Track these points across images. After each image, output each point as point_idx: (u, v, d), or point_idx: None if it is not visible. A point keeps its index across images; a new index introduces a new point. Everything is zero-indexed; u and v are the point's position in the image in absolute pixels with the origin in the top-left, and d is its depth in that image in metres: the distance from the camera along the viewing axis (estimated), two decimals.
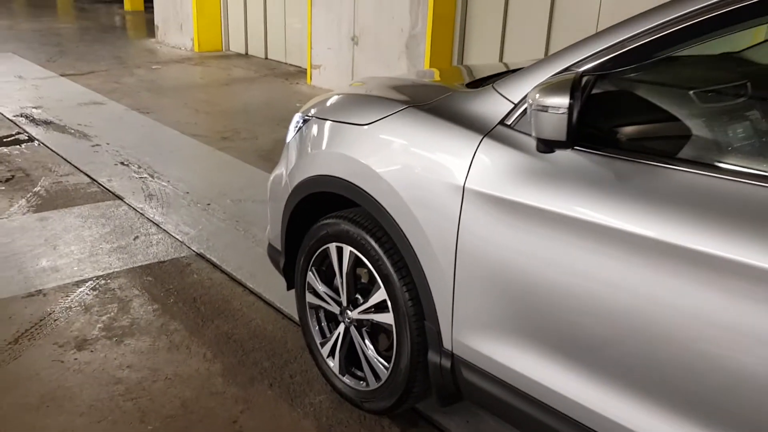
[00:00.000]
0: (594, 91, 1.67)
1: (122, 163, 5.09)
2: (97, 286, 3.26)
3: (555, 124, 1.49)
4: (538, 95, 1.51)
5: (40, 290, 3.20)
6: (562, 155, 1.63)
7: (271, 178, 2.72)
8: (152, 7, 11.73)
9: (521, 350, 1.79)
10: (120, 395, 2.48)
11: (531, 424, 1.82)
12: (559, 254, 1.62)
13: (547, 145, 1.59)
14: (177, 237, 3.83)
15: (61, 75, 8.38)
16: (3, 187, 4.49)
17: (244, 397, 2.50)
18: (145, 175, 4.84)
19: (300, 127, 2.53)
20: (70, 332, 2.86)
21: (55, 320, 2.95)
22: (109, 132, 5.93)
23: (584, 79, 1.61)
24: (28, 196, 4.37)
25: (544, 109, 1.49)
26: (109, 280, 3.31)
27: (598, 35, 1.63)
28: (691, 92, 1.95)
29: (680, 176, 1.47)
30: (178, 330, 2.92)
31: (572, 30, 5.68)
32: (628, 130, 1.62)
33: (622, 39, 1.56)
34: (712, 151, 1.62)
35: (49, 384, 2.53)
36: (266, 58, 9.98)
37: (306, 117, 2.51)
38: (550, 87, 1.50)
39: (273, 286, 3.24)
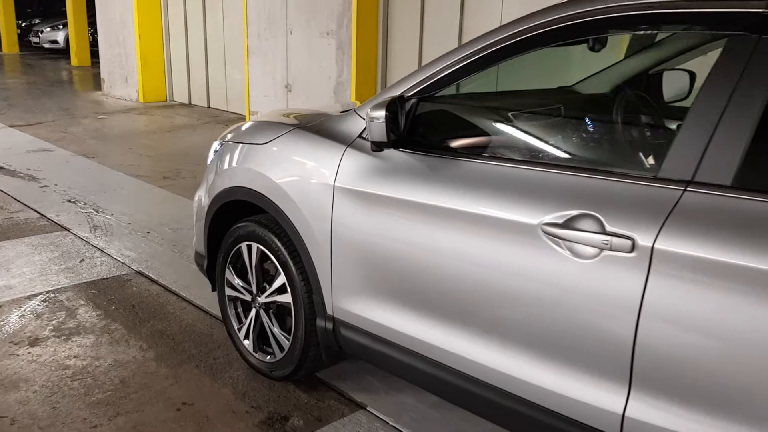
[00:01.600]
0: (423, 111, 2.31)
1: (69, 201, 5.57)
2: (47, 298, 3.73)
3: (379, 130, 2.11)
4: (369, 111, 2.14)
5: None
6: (394, 155, 2.25)
7: (196, 198, 3.29)
8: (99, 62, 12.24)
9: (380, 307, 2.37)
10: (68, 377, 2.96)
11: (394, 364, 2.39)
12: (394, 228, 2.22)
13: (377, 146, 2.21)
14: (119, 259, 4.33)
15: (10, 126, 8.80)
16: None
17: (173, 375, 3.00)
18: (91, 210, 5.33)
19: (217, 151, 3.11)
20: (23, 333, 3.33)
21: (11, 325, 3.41)
22: (57, 175, 6.40)
23: (410, 101, 2.25)
24: None
25: (372, 120, 2.12)
26: (57, 294, 3.79)
27: (418, 71, 2.27)
28: (509, 113, 2.61)
29: (481, 165, 2.09)
30: (119, 329, 3.41)
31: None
32: (443, 137, 2.25)
33: (431, 73, 2.20)
34: (499, 148, 2.25)
35: (7, 371, 2.99)
36: (208, 106, 10.57)
37: (222, 142, 3.10)
38: (376, 105, 2.13)
39: (203, 295, 3.75)
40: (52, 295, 3.78)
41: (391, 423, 2.70)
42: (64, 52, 18.92)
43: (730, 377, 1.57)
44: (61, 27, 19.06)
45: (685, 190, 1.65)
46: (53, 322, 3.46)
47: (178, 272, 4.13)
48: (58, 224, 4.97)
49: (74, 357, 3.13)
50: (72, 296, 3.77)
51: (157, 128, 9.14)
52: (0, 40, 20.49)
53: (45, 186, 6.01)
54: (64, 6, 16.98)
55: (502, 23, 6.08)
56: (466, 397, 2.16)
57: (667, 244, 1.63)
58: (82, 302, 3.70)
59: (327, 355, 2.69)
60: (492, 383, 2.04)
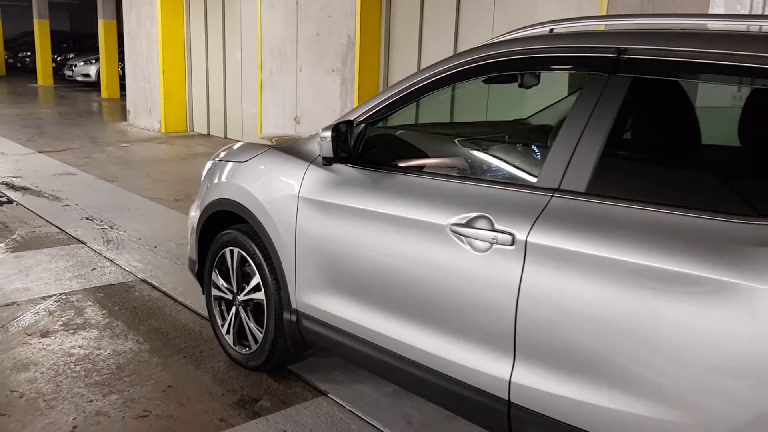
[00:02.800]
0: (372, 135, 2.75)
1: (87, 218, 6.08)
2: (60, 299, 4.19)
3: (327, 148, 2.56)
4: (320, 131, 2.58)
5: (15, 302, 4.12)
6: (345, 170, 2.68)
7: (191, 212, 3.74)
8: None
9: (330, 299, 2.78)
10: (72, 362, 3.40)
11: (342, 347, 2.79)
12: (345, 230, 2.65)
13: (326, 161, 2.65)
14: (126, 269, 4.79)
15: (39, 152, 9.43)
16: None
17: (163, 363, 3.42)
18: (106, 227, 5.82)
19: (209, 169, 3.57)
20: (36, 327, 3.79)
21: (26, 320, 3.87)
22: (78, 196, 6.93)
23: (360, 126, 2.69)
24: (7, 241, 5.32)
25: (322, 139, 2.57)
26: (69, 296, 4.25)
27: (366, 102, 2.72)
28: (456, 139, 3.05)
29: (410, 178, 2.52)
30: (120, 326, 3.85)
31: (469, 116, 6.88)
32: (385, 156, 2.68)
33: (375, 103, 2.65)
34: (425, 165, 2.68)
35: (20, 356, 3.44)
36: (225, 137, 11.15)
37: (214, 161, 3.56)
38: (326, 127, 2.58)
39: (198, 300, 4.17)
40: (64, 296, 4.24)
41: (347, 407, 3.08)
42: (95, 85, 19.79)
43: (590, 345, 1.95)
44: (94, 61, 19.97)
45: (552, 196, 2.06)
46: (63, 318, 3.91)
47: (178, 281, 4.57)
48: (75, 238, 5.47)
49: (79, 347, 3.57)
50: (81, 298, 4.23)
51: (175, 156, 9.71)
52: (36, 73, 21.50)
53: (66, 205, 6.54)
54: (98, 42, 17.87)
55: None
56: (397, 374, 2.55)
57: (537, 238, 2.03)
58: (90, 303, 4.15)
59: (292, 344, 3.09)
60: (417, 360, 2.43)
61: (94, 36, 18.81)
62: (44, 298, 4.20)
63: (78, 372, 3.31)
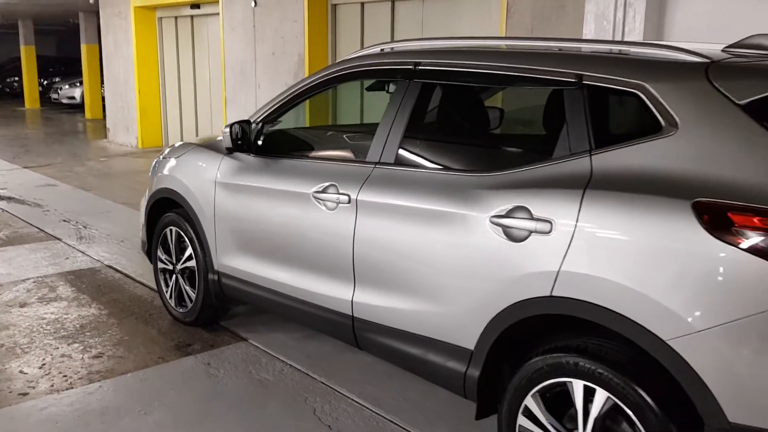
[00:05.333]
0: (270, 131, 3.60)
1: (64, 220, 6.89)
2: (36, 280, 5.00)
3: (227, 140, 3.40)
4: (223, 129, 3.43)
5: None
6: (247, 158, 3.53)
7: (141, 203, 4.57)
8: None
9: (239, 258, 3.60)
10: (44, 323, 4.21)
11: (250, 296, 3.61)
12: (244, 203, 3.48)
13: (228, 151, 3.50)
14: (95, 258, 5.61)
15: (24, 167, 10.23)
16: None
17: (118, 323, 4.24)
18: (80, 227, 6.64)
19: (155, 165, 4.41)
20: (16, 299, 4.59)
21: (7, 296, 4.67)
22: (58, 203, 7.74)
23: (258, 124, 3.54)
24: None
25: (224, 133, 3.41)
26: (44, 278, 5.06)
27: (263, 106, 3.57)
28: (325, 134, 3.90)
29: (290, 162, 3.36)
30: (86, 298, 4.66)
31: None
32: (276, 147, 3.53)
33: (268, 107, 3.50)
34: (301, 151, 3.52)
35: (1, 320, 4.24)
36: None
37: (158, 158, 4.40)
38: (227, 125, 3.42)
39: (153, 280, 4.97)
40: (40, 279, 5.05)
41: (261, 348, 3.90)
42: (80, 107, 20.55)
43: (396, 268, 2.78)
44: (78, 84, 20.75)
45: (374, 167, 2.90)
46: (38, 294, 4.72)
47: (138, 266, 5.39)
48: (53, 236, 6.28)
49: (50, 313, 4.38)
50: (55, 280, 5.04)
51: (149, 168, 10.51)
52: (23, 97, 22.29)
53: (47, 210, 7.35)
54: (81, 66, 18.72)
55: None
56: (286, 310, 3.38)
57: (364, 196, 2.88)
58: (62, 283, 4.96)
59: (216, 299, 3.92)
60: (296, 296, 3.26)
61: (79, 60, 19.60)
62: (24, 280, 5.01)
63: (48, 330, 4.12)
